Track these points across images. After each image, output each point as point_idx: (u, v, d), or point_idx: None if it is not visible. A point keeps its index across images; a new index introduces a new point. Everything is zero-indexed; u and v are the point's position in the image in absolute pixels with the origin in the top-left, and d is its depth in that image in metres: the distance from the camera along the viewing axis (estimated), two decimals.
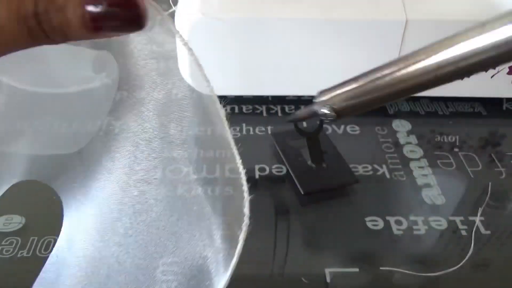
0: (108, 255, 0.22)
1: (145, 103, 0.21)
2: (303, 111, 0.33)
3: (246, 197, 0.22)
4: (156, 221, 0.23)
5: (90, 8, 0.15)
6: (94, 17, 0.15)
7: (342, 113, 0.28)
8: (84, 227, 0.24)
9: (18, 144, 0.24)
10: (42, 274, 0.25)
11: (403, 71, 0.25)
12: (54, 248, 0.26)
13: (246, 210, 0.22)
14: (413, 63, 0.25)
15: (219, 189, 0.23)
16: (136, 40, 0.20)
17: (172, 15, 0.43)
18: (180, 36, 0.19)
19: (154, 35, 0.20)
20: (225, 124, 0.22)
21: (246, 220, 0.22)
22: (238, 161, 0.22)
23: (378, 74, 0.27)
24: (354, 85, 0.28)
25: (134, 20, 0.16)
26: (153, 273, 0.22)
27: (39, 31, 0.15)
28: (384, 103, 0.29)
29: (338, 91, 0.28)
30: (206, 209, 0.23)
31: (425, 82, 0.25)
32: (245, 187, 0.22)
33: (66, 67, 0.22)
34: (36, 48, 0.19)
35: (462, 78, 0.24)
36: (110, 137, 0.23)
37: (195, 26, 0.40)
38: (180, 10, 0.42)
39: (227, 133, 0.22)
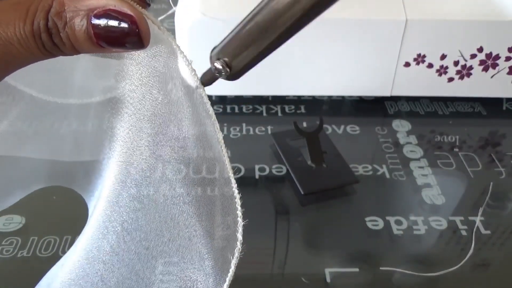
0: (92, 272, 0.22)
1: (140, 116, 0.20)
2: (204, 73, 0.27)
3: (240, 221, 0.21)
4: (145, 240, 0.22)
5: (94, 21, 0.16)
6: (97, 32, 0.16)
7: (236, 66, 0.24)
8: (79, 240, 0.23)
9: (37, 150, 0.24)
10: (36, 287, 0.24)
11: None
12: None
13: (239, 235, 0.21)
14: None
15: (212, 212, 0.22)
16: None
17: (172, 15, 0.43)
18: (182, 53, 0.19)
19: (156, 54, 0.19)
20: (223, 147, 0.21)
21: (238, 245, 0.21)
22: (234, 184, 0.21)
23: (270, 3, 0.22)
24: (243, 29, 0.23)
25: (134, 36, 0.16)
26: None
27: (52, 44, 0.16)
28: (283, 38, 0.23)
29: (229, 40, 0.24)
30: (198, 232, 0.22)
31: None
32: (239, 211, 0.21)
33: (93, 77, 0.21)
34: (64, 61, 0.19)
35: None
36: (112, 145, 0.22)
37: (195, 26, 0.40)
38: (180, 10, 0.42)
39: (225, 156, 0.21)
